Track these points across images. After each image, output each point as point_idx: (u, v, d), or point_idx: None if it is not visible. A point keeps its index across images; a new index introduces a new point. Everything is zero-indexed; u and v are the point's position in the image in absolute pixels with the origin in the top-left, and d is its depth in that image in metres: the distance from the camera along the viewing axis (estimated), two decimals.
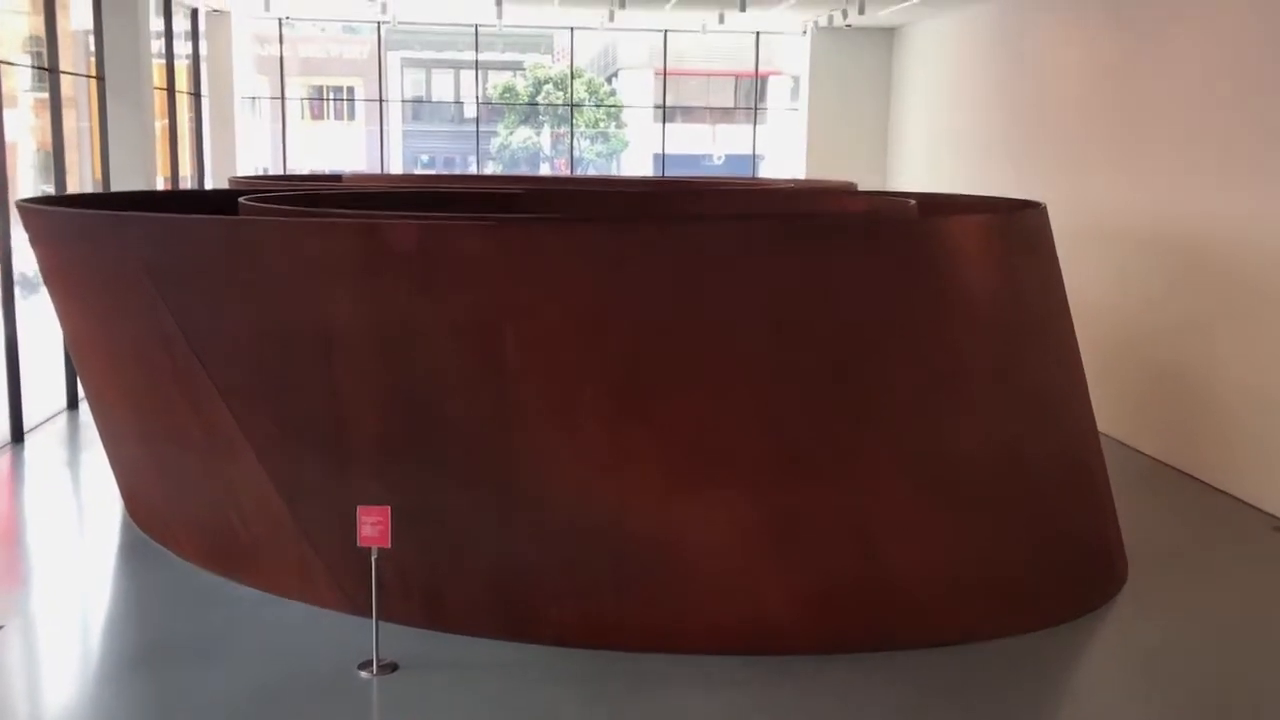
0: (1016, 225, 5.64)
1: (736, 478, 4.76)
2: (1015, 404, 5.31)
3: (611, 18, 12.23)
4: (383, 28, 14.52)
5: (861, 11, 10.77)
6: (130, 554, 6.02)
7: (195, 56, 12.91)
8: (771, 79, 16.76)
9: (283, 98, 14.51)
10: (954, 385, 5.09)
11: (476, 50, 15.00)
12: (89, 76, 9.79)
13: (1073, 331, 5.83)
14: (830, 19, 12.44)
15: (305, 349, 4.75)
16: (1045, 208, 5.76)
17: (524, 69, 21.01)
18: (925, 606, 4.98)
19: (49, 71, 8.78)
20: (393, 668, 4.64)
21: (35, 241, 5.98)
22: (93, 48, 9.74)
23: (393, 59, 20.59)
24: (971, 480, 5.08)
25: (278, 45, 14.48)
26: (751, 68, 15.18)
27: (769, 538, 4.80)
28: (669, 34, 14.64)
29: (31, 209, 5.86)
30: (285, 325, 4.77)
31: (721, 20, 12.63)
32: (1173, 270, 7.85)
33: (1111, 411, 7.98)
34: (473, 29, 14.56)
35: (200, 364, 4.94)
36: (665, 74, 15.30)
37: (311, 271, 4.67)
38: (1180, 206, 7.80)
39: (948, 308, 5.10)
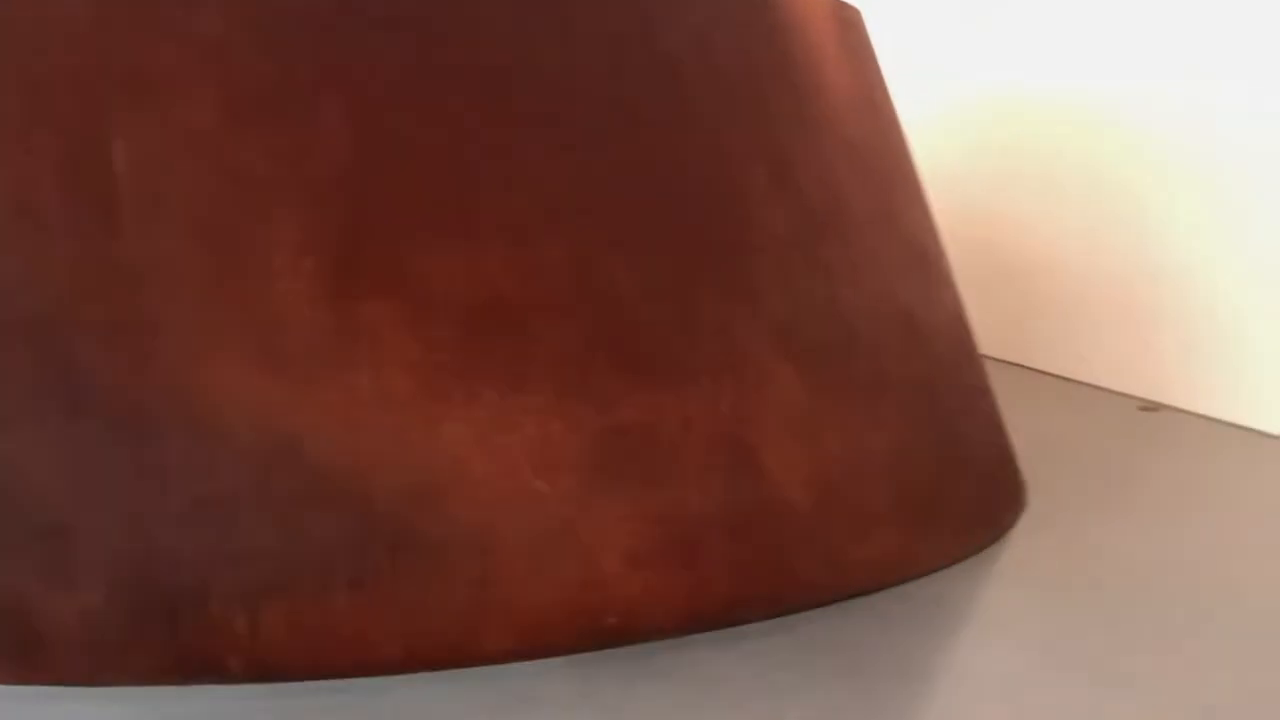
0: (856, 24, 4.15)
1: (540, 377, 2.94)
2: (901, 258, 3.85)
3: None
4: None
5: None
6: None
7: None
8: None
9: None
10: (835, 226, 3.55)
11: None
12: None
13: (919, 179, 4.47)
14: None
15: None
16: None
17: None
18: (826, 540, 3.42)
19: None
20: None
21: None
22: None
23: None
24: (872, 359, 3.55)
25: None
26: None
27: (597, 465, 3.04)
28: None
29: None
30: None
31: None
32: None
33: None
34: None
35: None
36: None
37: None
38: None
39: (816, 117, 3.54)
